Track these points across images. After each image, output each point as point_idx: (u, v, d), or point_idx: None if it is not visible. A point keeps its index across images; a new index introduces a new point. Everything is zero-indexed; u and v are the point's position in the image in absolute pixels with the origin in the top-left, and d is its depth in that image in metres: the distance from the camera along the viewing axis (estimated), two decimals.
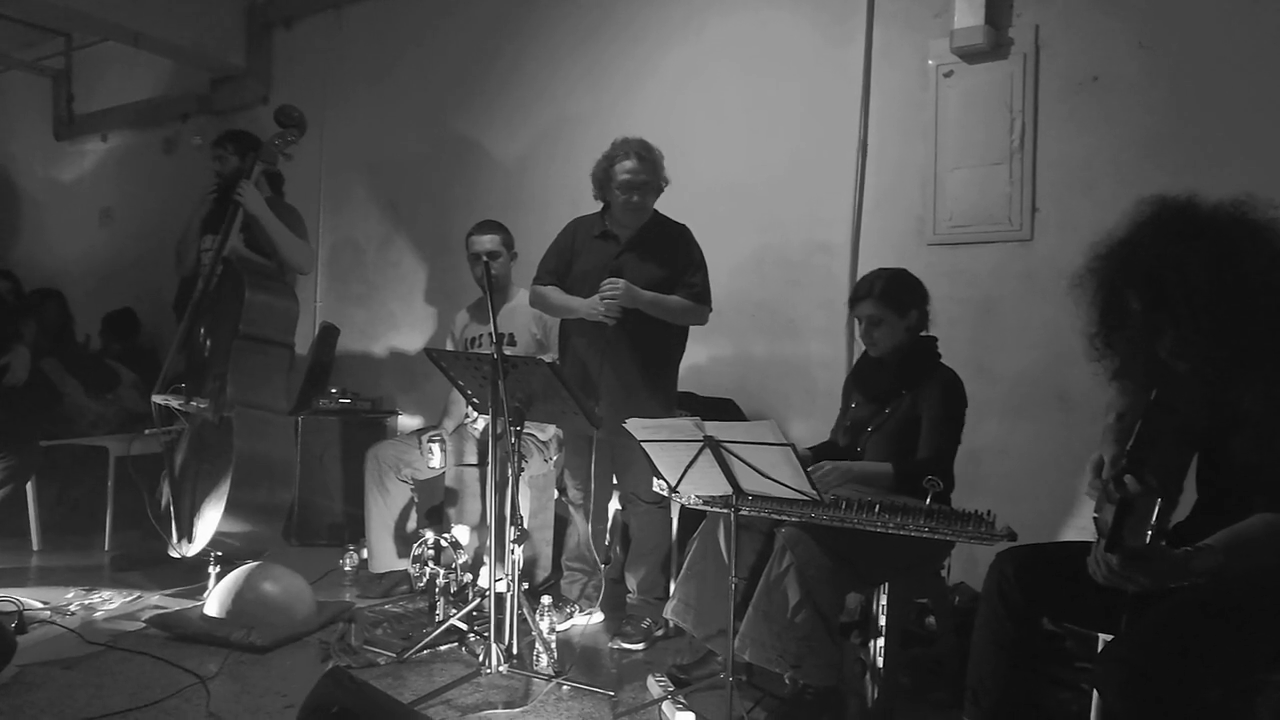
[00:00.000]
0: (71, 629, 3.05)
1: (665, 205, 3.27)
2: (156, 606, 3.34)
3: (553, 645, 2.79)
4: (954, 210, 3.51)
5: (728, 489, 2.25)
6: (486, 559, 3.10)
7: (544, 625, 2.85)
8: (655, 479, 2.54)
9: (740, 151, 4.01)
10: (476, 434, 3.64)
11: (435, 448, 3.61)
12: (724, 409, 3.74)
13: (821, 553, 2.29)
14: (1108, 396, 1.91)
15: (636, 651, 3.03)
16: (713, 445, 2.16)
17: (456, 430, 3.74)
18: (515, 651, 2.69)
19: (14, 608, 3.14)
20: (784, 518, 2.33)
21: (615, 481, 3.38)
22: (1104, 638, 1.97)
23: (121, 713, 2.41)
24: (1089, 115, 3.28)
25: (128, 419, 4.88)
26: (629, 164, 3.08)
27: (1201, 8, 3.10)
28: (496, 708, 2.50)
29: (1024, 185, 3.37)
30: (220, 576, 3.23)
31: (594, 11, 4.47)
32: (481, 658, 2.71)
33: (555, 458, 3.68)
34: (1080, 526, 3.07)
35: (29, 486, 4.13)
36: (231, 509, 3.36)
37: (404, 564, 3.60)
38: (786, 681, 2.44)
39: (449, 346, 3.89)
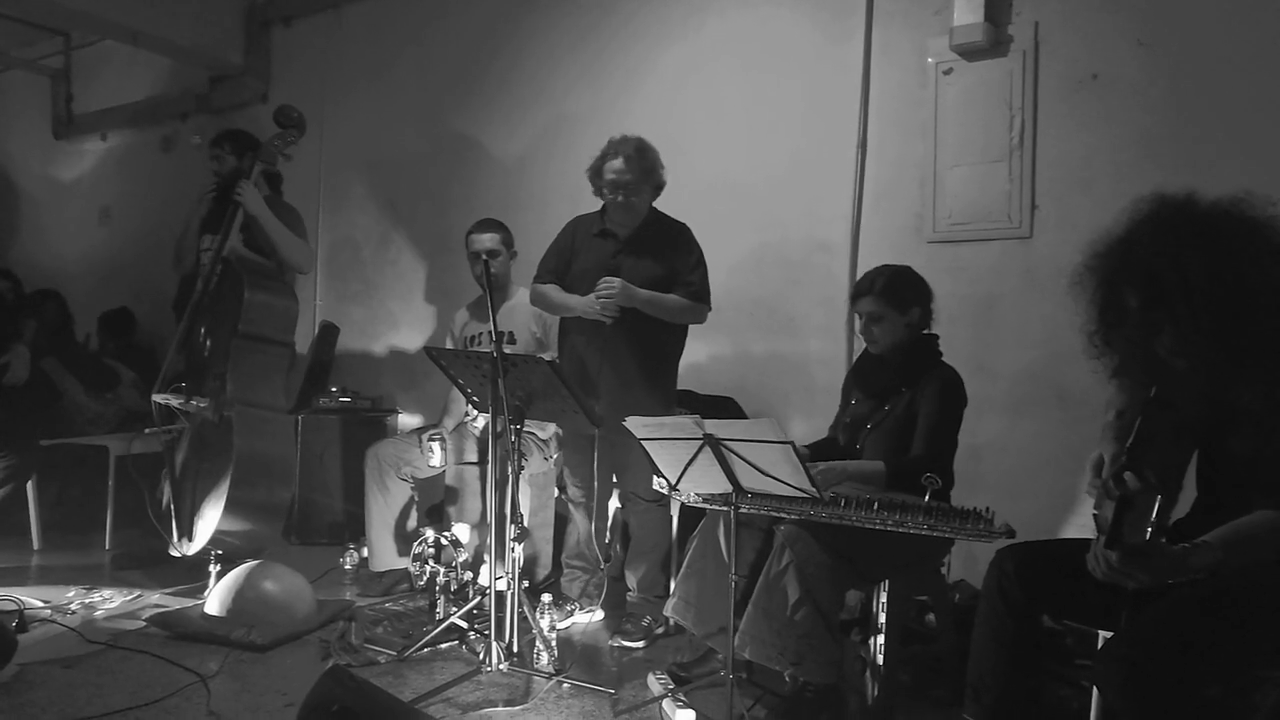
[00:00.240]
0: (72, 628, 3.05)
1: (664, 203, 3.27)
2: (157, 605, 3.34)
3: (553, 643, 2.80)
4: (953, 208, 3.51)
5: (727, 487, 2.26)
6: (487, 557, 3.10)
7: (544, 623, 2.85)
8: (655, 477, 2.54)
9: (740, 149, 4.01)
10: (476, 432, 3.64)
11: (435, 446, 3.61)
12: (724, 407, 3.74)
13: (821, 550, 2.29)
14: (1107, 394, 1.92)
15: (637, 649, 3.03)
16: (712, 443, 2.16)
17: (456, 429, 3.74)
18: (516, 649, 2.69)
19: (15, 606, 3.14)
20: (783, 515, 2.33)
21: (615, 480, 3.38)
22: (1104, 635, 1.97)
23: (122, 711, 2.41)
24: (1088, 113, 3.27)
25: (127, 418, 4.88)
26: (616, 164, 3.09)
27: (1201, 6, 3.10)
28: (497, 706, 2.51)
29: (1023, 183, 3.37)
30: (221, 575, 3.23)
31: (593, 9, 4.47)
32: (482, 656, 2.71)
33: (555, 456, 3.68)
34: (1080, 524, 3.07)
35: (29, 485, 4.13)
36: (231, 507, 3.36)
37: (404, 562, 3.60)
38: (786, 679, 2.44)
39: (449, 345, 3.89)
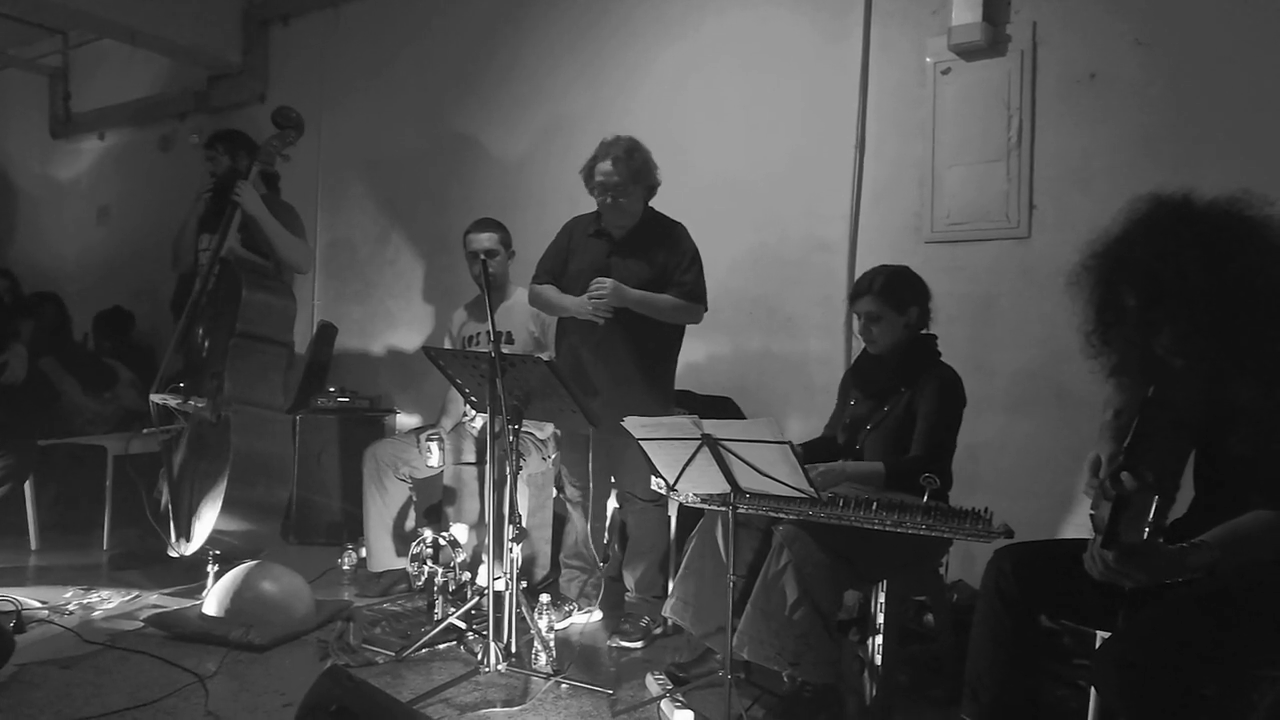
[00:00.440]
0: (70, 628, 3.05)
1: (664, 203, 3.26)
2: (155, 605, 3.33)
3: (551, 644, 2.79)
4: (952, 207, 3.51)
5: (726, 487, 2.26)
6: (485, 557, 3.10)
7: (542, 624, 2.85)
8: (653, 477, 2.54)
9: (738, 148, 4.01)
10: (475, 432, 3.64)
11: (433, 446, 3.61)
12: (722, 407, 3.74)
13: (819, 550, 2.29)
14: (1105, 393, 1.92)
15: (635, 650, 3.03)
16: (710, 443, 2.16)
17: (455, 429, 3.74)
18: (514, 650, 2.69)
19: (12, 607, 3.14)
20: (782, 515, 2.33)
21: (613, 480, 3.38)
22: (1101, 634, 1.97)
23: (120, 712, 2.41)
24: (1086, 112, 3.28)
25: (125, 417, 4.88)
26: (604, 166, 3.09)
27: (1199, 5, 3.10)
28: (495, 706, 2.51)
29: (1021, 182, 3.37)
30: (219, 575, 3.23)
31: (592, 8, 4.47)
32: (480, 656, 2.71)
33: (553, 456, 3.68)
34: (1078, 523, 3.07)
35: (27, 485, 4.13)
36: (229, 507, 3.36)
37: (402, 563, 3.60)
38: (785, 679, 2.44)
39: (447, 345, 3.89)
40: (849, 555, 2.32)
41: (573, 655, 2.94)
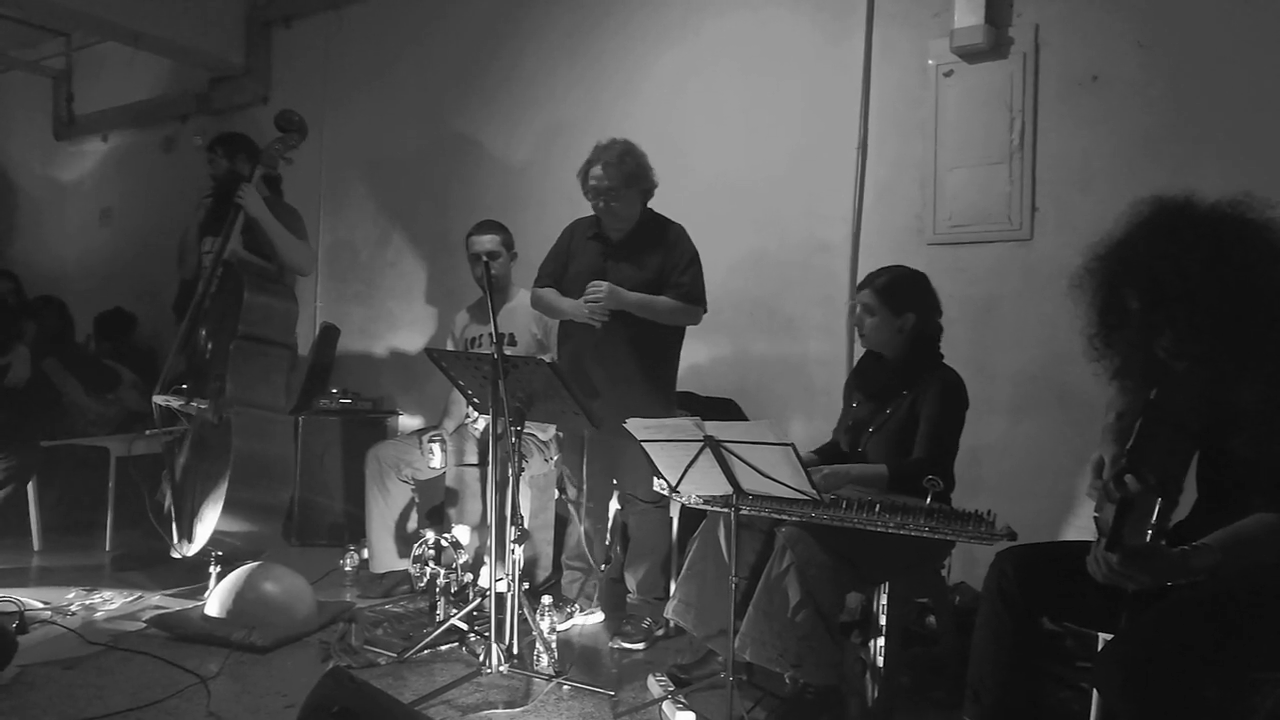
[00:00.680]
0: (72, 629, 3.05)
1: (665, 205, 3.27)
2: (157, 606, 3.34)
3: (553, 645, 2.80)
4: (953, 209, 3.51)
5: (728, 489, 2.26)
6: (487, 559, 3.10)
7: (544, 625, 2.85)
8: (656, 479, 2.54)
9: (739, 150, 4.01)
10: (477, 434, 3.64)
11: (436, 448, 3.61)
12: (724, 409, 3.74)
13: (822, 552, 2.29)
14: (1107, 396, 1.92)
15: (637, 651, 3.03)
16: (713, 445, 2.16)
17: (457, 430, 3.74)
18: (516, 651, 2.69)
19: (15, 608, 3.14)
20: (784, 517, 2.33)
21: (615, 481, 3.38)
22: (1104, 637, 1.97)
23: (122, 713, 2.41)
24: (1088, 114, 3.28)
25: (128, 419, 4.88)
26: (596, 170, 3.10)
27: (1201, 7, 3.10)
28: (497, 707, 2.51)
29: (1023, 184, 3.37)
30: (221, 576, 3.24)
31: (593, 11, 4.47)
32: (482, 657, 2.71)
33: (556, 457, 3.68)
34: (1080, 526, 3.08)
35: (30, 486, 4.13)
36: (230, 508, 3.36)
37: (404, 564, 3.60)
38: (787, 681, 2.44)
39: (449, 346, 3.89)
40: (851, 557, 2.32)
41: (574, 657, 2.94)
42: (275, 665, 2.81)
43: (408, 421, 4.97)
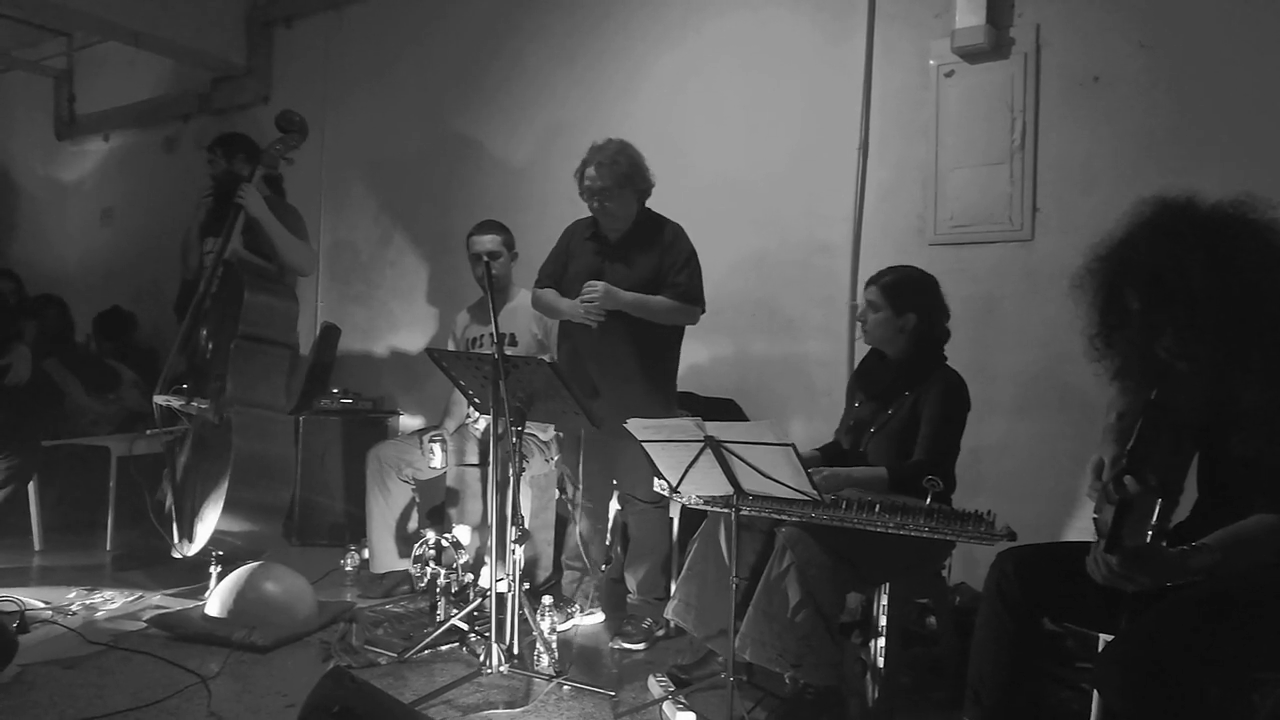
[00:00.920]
0: (73, 629, 3.06)
1: (665, 205, 3.27)
2: (158, 606, 3.34)
3: (554, 645, 2.80)
4: (955, 210, 3.51)
5: (728, 489, 2.26)
6: (488, 559, 3.10)
7: (545, 625, 2.85)
8: (656, 479, 2.54)
9: (740, 150, 4.01)
10: (478, 434, 3.64)
11: (436, 448, 3.61)
12: (725, 410, 3.74)
13: (822, 552, 2.29)
14: (1108, 396, 1.92)
15: (637, 651, 3.03)
16: (713, 445, 2.16)
17: (458, 430, 3.75)
18: (516, 651, 2.69)
19: (16, 607, 3.15)
20: (784, 517, 2.33)
21: (614, 482, 3.38)
22: (1104, 637, 1.97)
23: (123, 712, 2.41)
24: (1090, 115, 3.27)
25: (129, 419, 4.88)
26: (590, 170, 3.11)
27: (1202, 7, 3.10)
28: (497, 707, 2.51)
29: (1024, 185, 3.37)
30: (221, 576, 3.24)
31: (593, 11, 4.47)
32: (482, 658, 2.71)
33: (556, 458, 3.68)
34: (1081, 526, 3.07)
35: (31, 486, 4.13)
36: (230, 507, 3.37)
37: (405, 564, 3.60)
38: (787, 681, 2.44)
39: (450, 347, 3.89)
40: (852, 557, 2.32)
41: (575, 657, 2.94)
42: (276, 665, 2.81)
43: (408, 421, 4.98)
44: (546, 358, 3.12)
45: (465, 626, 2.95)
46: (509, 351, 3.02)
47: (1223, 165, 2.94)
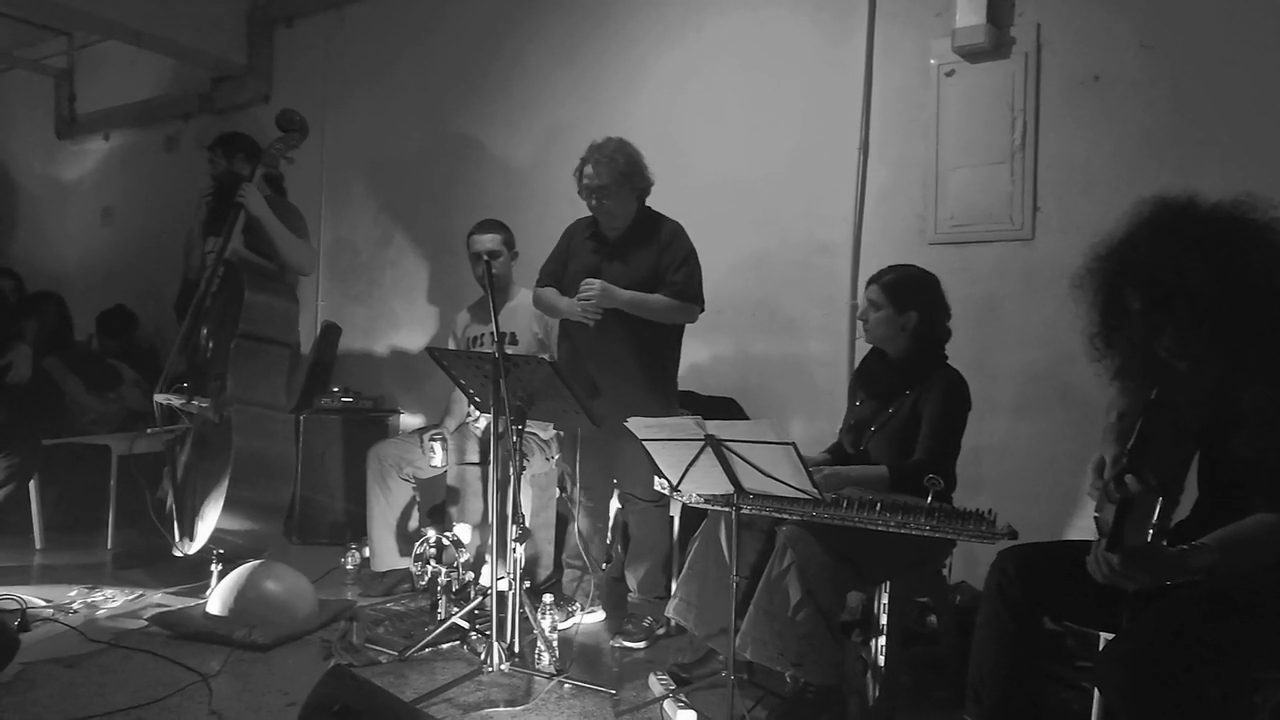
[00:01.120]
0: (74, 627, 3.06)
1: (665, 204, 3.27)
2: (159, 605, 3.34)
3: (554, 643, 2.80)
4: (955, 209, 3.51)
5: (729, 488, 2.26)
6: (488, 557, 3.10)
7: (545, 624, 2.85)
8: (657, 478, 2.54)
9: (740, 150, 4.01)
10: (478, 432, 3.64)
11: (437, 446, 3.62)
12: (726, 409, 3.74)
13: (823, 551, 2.30)
14: (1108, 396, 1.92)
15: (638, 650, 3.04)
16: (714, 444, 2.17)
17: (458, 429, 3.75)
18: (517, 650, 2.69)
19: (17, 606, 3.15)
20: (785, 516, 2.33)
21: (615, 481, 3.38)
22: (1105, 636, 1.98)
23: (124, 710, 2.41)
24: (1090, 115, 3.28)
25: (129, 417, 4.89)
26: (589, 169, 3.11)
27: (1203, 7, 3.10)
28: (498, 706, 2.51)
29: (1025, 184, 3.37)
30: (222, 575, 3.24)
31: (594, 10, 4.47)
32: (483, 656, 2.71)
33: (557, 456, 3.68)
34: (1082, 525, 3.07)
35: (31, 485, 4.14)
36: (231, 506, 3.37)
37: (406, 562, 3.61)
38: (788, 680, 2.44)
39: (451, 346, 3.89)
40: (852, 556, 2.32)
41: (575, 655, 2.95)
42: (276, 663, 2.81)
43: (409, 420, 4.98)
44: (547, 357, 3.12)
45: (466, 625, 2.96)
46: (509, 350, 3.02)
47: (1223, 165, 2.94)
